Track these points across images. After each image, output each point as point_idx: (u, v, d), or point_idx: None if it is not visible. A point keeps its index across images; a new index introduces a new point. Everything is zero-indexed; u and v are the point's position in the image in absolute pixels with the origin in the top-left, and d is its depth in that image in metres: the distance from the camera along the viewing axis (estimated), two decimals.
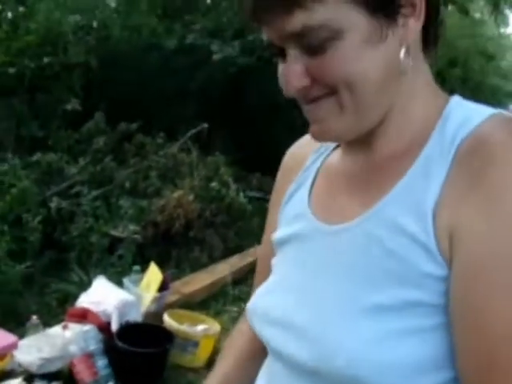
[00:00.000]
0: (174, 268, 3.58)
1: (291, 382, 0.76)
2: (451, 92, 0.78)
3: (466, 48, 8.60)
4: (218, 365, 0.98)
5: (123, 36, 5.26)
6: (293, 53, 0.69)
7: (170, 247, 3.67)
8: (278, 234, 0.87)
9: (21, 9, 4.46)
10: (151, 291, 2.94)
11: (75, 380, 2.34)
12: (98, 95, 4.53)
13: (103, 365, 2.52)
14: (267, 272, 0.88)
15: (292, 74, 0.69)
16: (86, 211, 3.38)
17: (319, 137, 0.76)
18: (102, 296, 2.76)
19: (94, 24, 4.91)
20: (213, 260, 3.93)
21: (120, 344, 2.49)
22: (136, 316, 2.79)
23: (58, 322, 2.65)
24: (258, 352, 0.90)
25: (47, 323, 2.65)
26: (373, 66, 0.68)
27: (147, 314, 2.86)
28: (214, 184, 4.17)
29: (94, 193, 3.56)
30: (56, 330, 2.57)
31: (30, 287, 3.09)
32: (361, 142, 0.77)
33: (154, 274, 3.01)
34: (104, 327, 2.60)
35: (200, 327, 2.90)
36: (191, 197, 3.87)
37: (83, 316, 2.64)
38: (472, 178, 0.65)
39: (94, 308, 2.68)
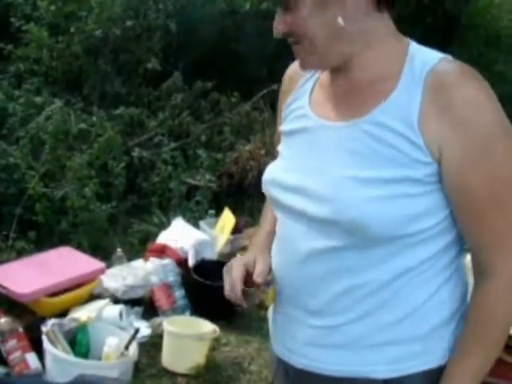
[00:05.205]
0: (246, 216, 3.72)
1: (310, 234, 1.06)
2: None
3: None
4: (261, 227, 1.32)
5: (200, 2, 5.42)
6: (279, 10, 1.05)
7: (244, 197, 3.81)
8: (285, 127, 1.18)
9: None
10: (225, 233, 3.08)
11: (155, 307, 2.51)
12: (176, 56, 4.73)
13: (180, 295, 2.68)
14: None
15: (276, 22, 1.06)
16: (165, 160, 3.58)
17: (302, 68, 1.13)
18: (180, 235, 2.93)
19: None
20: None
21: (196, 277, 2.66)
22: (211, 255, 2.93)
23: (139, 258, 2.84)
24: None
25: (130, 259, 2.85)
26: (318, 26, 1.02)
27: (221, 255, 2.99)
28: None
29: (173, 144, 3.75)
30: (138, 262, 2.77)
31: (115, 227, 3.32)
32: (343, 70, 1.08)
33: (227, 218, 3.15)
34: (181, 262, 2.76)
35: None
36: (263, 151, 3.98)
37: (162, 251, 2.81)
38: (442, 102, 0.97)
39: (172, 245, 2.86)
